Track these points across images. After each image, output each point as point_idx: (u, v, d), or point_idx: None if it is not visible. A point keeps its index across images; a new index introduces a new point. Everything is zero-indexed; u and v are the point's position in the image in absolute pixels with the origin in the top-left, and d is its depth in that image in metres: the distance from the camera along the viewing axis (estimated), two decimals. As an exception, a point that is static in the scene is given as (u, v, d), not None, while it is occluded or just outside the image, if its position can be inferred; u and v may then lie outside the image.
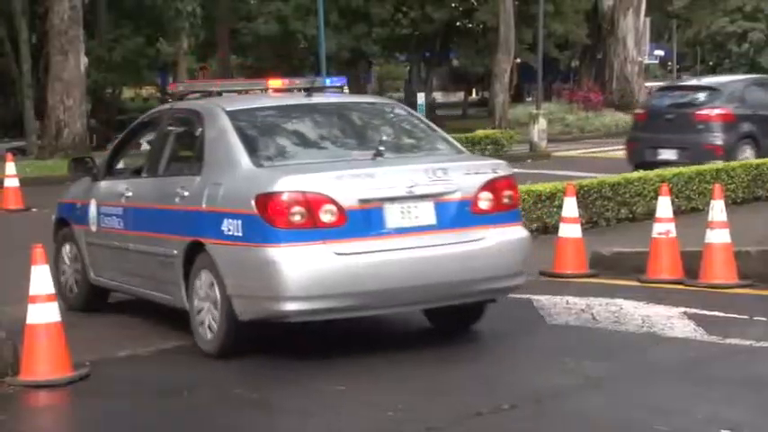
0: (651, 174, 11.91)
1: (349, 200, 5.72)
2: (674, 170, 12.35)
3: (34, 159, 21.62)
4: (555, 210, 10.49)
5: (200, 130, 6.52)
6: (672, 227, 8.12)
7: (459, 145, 6.79)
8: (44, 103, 22.97)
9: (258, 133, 6.36)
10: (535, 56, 30.22)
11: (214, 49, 42.72)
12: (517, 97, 41.98)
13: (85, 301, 7.68)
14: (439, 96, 53.94)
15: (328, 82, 9.03)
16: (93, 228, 7.48)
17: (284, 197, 5.64)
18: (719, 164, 13.41)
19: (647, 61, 39.51)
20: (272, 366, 5.91)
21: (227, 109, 6.52)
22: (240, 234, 5.76)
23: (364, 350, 6.16)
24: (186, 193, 6.30)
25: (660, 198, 8.26)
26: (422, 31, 35.36)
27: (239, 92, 7.61)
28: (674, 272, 8.11)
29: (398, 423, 4.80)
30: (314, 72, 39.11)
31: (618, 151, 23.57)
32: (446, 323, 6.59)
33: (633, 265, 8.50)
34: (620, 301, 7.40)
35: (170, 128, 7.03)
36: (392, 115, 6.95)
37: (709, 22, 64.74)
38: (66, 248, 7.89)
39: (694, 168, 12.57)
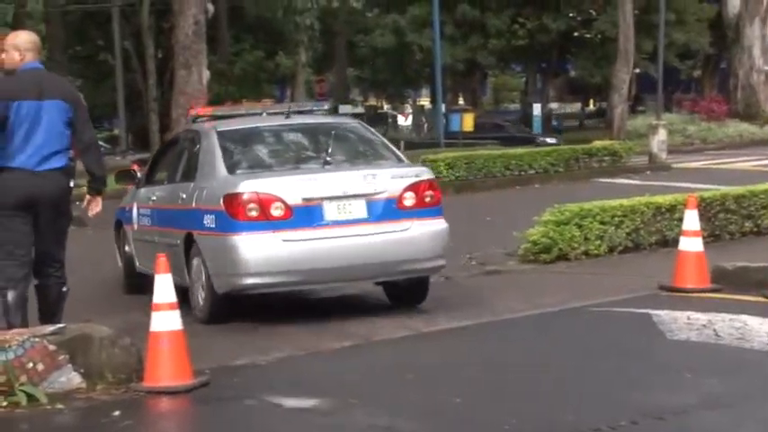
0: (778, 186, 11.53)
1: (294, 198, 7.56)
2: (803, 183, 11.92)
3: (158, 170, 22.30)
4: (675, 223, 10.26)
5: (197, 146, 8.41)
6: (801, 241, 7.83)
7: (402, 156, 8.44)
8: (168, 117, 23.69)
9: (236, 149, 8.24)
10: (655, 65, 29.61)
11: (331, 62, 43.40)
12: (636, 108, 41.18)
13: (131, 285, 9.57)
14: (555, 107, 53.39)
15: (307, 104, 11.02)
16: (135, 226, 9.37)
17: (243, 196, 7.53)
18: None
19: (774, 70, 38.20)
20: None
21: (219, 130, 8.41)
22: (214, 226, 7.64)
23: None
24: (184, 196, 8.17)
25: (788, 211, 7.98)
26: (538, 41, 35.09)
27: (246, 115, 9.20)
28: (803, 288, 7.81)
29: (513, 437, 4.76)
30: (429, 84, 39.19)
31: (743, 163, 22.92)
32: (399, 299, 8.36)
33: (758, 281, 8.23)
34: (744, 317, 7.16)
35: (183, 145, 8.99)
36: (351, 133, 8.68)
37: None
38: (122, 244, 9.90)
39: (825, 181, 12.12)
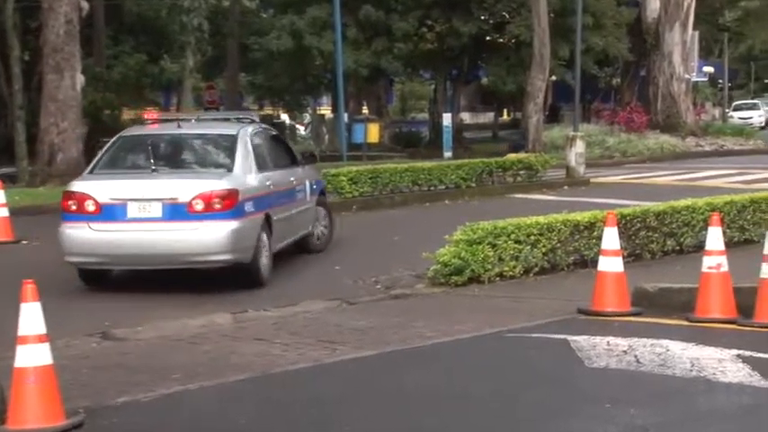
0: (700, 202, 11.91)
1: (104, 198, 10.51)
2: (726, 198, 12.36)
3: (25, 187, 21.56)
4: (594, 241, 10.51)
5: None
6: (723, 260, 8.11)
7: (237, 166, 11.04)
8: (36, 126, 23.11)
9: (117, 152, 11.42)
10: (572, 72, 30.27)
11: (222, 66, 43.11)
12: (552, 118, 42.00)
13: None
14: (467, 117, 54.08)
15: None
16: None
17: (68, 195, 10.70)
18: (776, 191, 13.38)
19: (695, 79, 39.43)
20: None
21: (123, 134, 11.74)
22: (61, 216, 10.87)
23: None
24: None
25: (710, 228, 8.26)
26: (448, 46, 35.52)
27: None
28: (727, 310, 8.09)
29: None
30: (330, 91, 39.29)
31: (664, 177, 23.62)
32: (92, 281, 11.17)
33: (681, 303, 8.49)
34: (666, 342, 7.38)
35: None
36: (218, 145, 11.44)
37: (764, 36, 64.40)
38: None
39: (748, 196, 12.57)
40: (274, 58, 35.01)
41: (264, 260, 10.94)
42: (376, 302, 9.86)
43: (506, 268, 10.34)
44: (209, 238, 10.37)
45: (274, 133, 13.15)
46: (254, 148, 11.47)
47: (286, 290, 10.64)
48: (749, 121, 53.24)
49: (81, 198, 10.52)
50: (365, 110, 41.25)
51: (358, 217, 17.03)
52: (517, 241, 10.43)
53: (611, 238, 8.63)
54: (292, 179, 12.31)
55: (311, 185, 13.06)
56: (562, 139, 26.52)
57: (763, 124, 56.46)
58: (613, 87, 47.67)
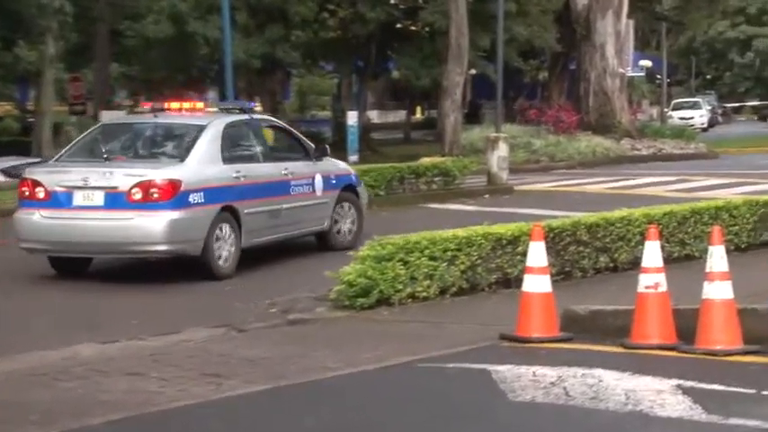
0: (637, 213, 12.13)
1: (53, 185, 12.27)
2: (665, 208, 12.61)
3: None
4: (518, 258, 10.59)
5: None
6: (662, 279, 8.24)
7: (192, 157, 12.60)
8: None
9: (88, 140, 13.40)
10: (494, 66, 30.60)
11: (89, 56, 42.45)
12: (472, 117, 42.41)
13: None
14: (375, 116, 54.26)
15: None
16: None
17: (22, 182, 12.63)
18: (719, 201, 13.70)
19: (630, 74, 40.27)
20: None
21: (104, 123, 14.48)
22: None
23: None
24: None
25: (647, 243, 8.39)
26: (353, 34, 35.64)
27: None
28: (665, 335, 8.23)
29: None
30: (217, 84, 39.03)
31: (597, 184, 24.03)
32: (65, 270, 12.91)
33: (615, 327, 8.61)
34: (599, 371, 7.48)
35: None
36: (190, 133, 12.93)
37: (705, 27, 65.98)
38: None
39: (688, 206, 12.85)
40: (151, 47, 34.61)
41: (224, 253, 12.34)
42: (270, 329, 9.80)
43: (420, 288, 10.38)
44: (145, 227, 11.93)
45: (278, 125, 15.01)
46: (227, 138, 13.01)
47: (163, 314, 10.53)
48: (690, 121, 54.70)
49: (32, 185, 12.37)
50: (258, 107, 41.05)
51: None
52: (432, 258, 10.47)
53: (537, 253, 8.71)
54: (286, 171, 13.62)
55: (326, 179, 14.28)
56: (483, 141, 26.78)
57: (705, 125, 57.95)
58: (540, 83, 48.40)
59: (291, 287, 11.51)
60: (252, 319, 10.18)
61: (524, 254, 9.41)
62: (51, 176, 12.35)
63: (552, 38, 37.06)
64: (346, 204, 14.61)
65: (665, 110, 57.35)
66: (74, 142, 13.66)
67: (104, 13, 38.65)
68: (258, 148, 13.64)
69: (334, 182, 14.47)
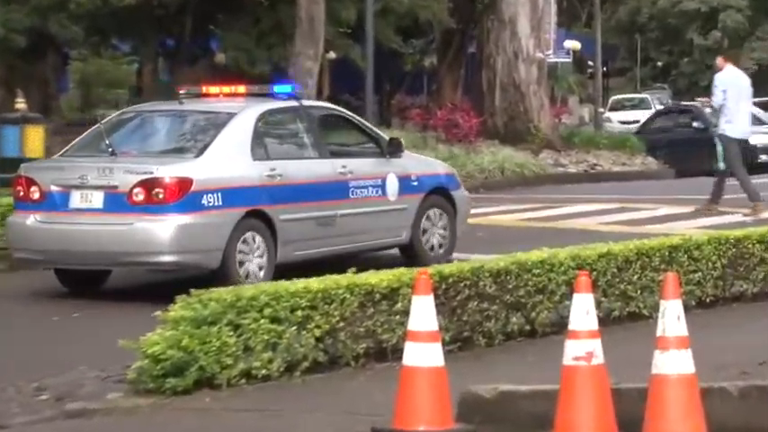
0: (562, 254, 12.19)
1: (47, 184, 13.71)
2: (601, 249, 12.60)
3: None
4: (397, 318, 10.63)
5: None
6: (597, 346, 8.28)
7: (212, 150, 14.19)
8: None
9: (99, 131, 14.72)
10: (361, 47, 30.68)
11: None
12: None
13: None
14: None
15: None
16: None
17: (16, 179, 14.08)
18: (675, 238, 13.69)
19: (552, 59, 40.77)
20: None
21: (125, 110, 16.66)
22: None
23: None
24: None
25: (576, 297, 8.42)
26: (160, 2, 35.49)
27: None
28: (602, 426, 8.25)
29: None
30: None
31: (507, 214, 24.21)
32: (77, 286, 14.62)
33: (532, 416, 8.65)
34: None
35: None
36: (215, 123, 14.49)
37: (654, -4, 67.27)
38: None
39: (633, 246, 12.86)
40: None
41: (251, 267, 13.76)
42: (42, 424, 9.67)
43: (257, 364, 10.32)
44: (146, 234, 13.47)
45: (339, 113, 16.55)
46: (261, 129, 14.63)
47: None
48: (634, 126, 55.55)
49: (27, 183, 13.94)
50: (22, 103, 40.50)
51: (6, 278, 16.53)
52: (275, 319, 10.43)
53: (423, 312, 8.66)
54: (344, 170, 15.04)
55: (403, 180, 15.60)
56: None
57: (655, 132, 59.03)
58: (426, 72, 48.78)
59: (70, 360, 11.31)
60: (16, 410, 9.93)
61: (405, 313, 9.43)
62: (47, 174, 14.02)
63: (443, 8, 37.39)
64: (437, 211, 15.66)
65: (601, 110, 58.27)
66: (85, 133, 15.28)
67: None
68: (307, 141, 15.22)
69: (415, 183, 15.77)
